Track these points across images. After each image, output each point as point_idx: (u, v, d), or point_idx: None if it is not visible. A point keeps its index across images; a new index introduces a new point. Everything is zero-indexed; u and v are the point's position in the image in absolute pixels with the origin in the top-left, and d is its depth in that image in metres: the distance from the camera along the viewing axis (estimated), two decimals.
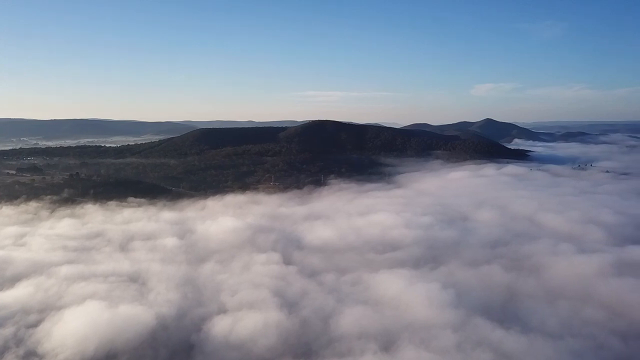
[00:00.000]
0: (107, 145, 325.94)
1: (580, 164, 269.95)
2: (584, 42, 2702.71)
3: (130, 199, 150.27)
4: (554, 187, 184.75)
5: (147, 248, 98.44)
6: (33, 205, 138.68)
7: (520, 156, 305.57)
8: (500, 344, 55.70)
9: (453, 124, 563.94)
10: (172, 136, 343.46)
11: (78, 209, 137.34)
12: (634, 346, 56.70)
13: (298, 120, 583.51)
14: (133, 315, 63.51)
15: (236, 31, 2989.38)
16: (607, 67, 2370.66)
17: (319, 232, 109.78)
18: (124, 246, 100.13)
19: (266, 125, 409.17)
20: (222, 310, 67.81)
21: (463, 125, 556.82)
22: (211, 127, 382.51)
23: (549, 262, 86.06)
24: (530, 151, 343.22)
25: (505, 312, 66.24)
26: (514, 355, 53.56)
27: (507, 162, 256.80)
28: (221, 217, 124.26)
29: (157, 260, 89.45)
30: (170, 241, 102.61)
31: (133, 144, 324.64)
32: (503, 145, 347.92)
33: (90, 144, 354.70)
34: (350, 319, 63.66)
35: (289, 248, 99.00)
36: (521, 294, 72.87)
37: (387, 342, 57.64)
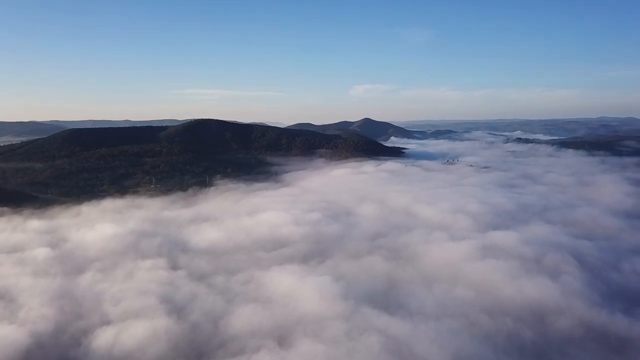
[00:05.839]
0: None
1: (448, 159, 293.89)
2: (448, 47, 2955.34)
3: None
4: (427, 181, 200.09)
5: (13, 261, 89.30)
6: None
7: (397, 153, 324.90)
8: (387, 329, 59.61)
9: (334, 124, 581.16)
10: (36, 137, 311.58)
11: None
12: (500, 321, 63.37)
13: (179, 119, 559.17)
14: (2, 336, 57.94)
15: (106, 25, 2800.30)
16: (468, 71, 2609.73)
17: (207, 234, 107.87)
18: None
19: (144, 125, 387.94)
20: (105, 322, 64.44)
21: (344, 125, 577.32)
22: (82, 127, 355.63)
23: (424, 250, 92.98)
24: (405, 148, 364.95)
25: (388, 299, 70.82)
26: (400, 338, 57.58)
27: (385, 159, 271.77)
28: (99, 224, 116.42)
29: (27, 274, 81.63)
30: (41, 252, 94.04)
31: None
32: (381, 144, 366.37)
33: None
34: (242, 318, 64.07)
35: (175, 252, 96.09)
36: (401, 281, 78.28)
37: (281, 337, 58.94)
